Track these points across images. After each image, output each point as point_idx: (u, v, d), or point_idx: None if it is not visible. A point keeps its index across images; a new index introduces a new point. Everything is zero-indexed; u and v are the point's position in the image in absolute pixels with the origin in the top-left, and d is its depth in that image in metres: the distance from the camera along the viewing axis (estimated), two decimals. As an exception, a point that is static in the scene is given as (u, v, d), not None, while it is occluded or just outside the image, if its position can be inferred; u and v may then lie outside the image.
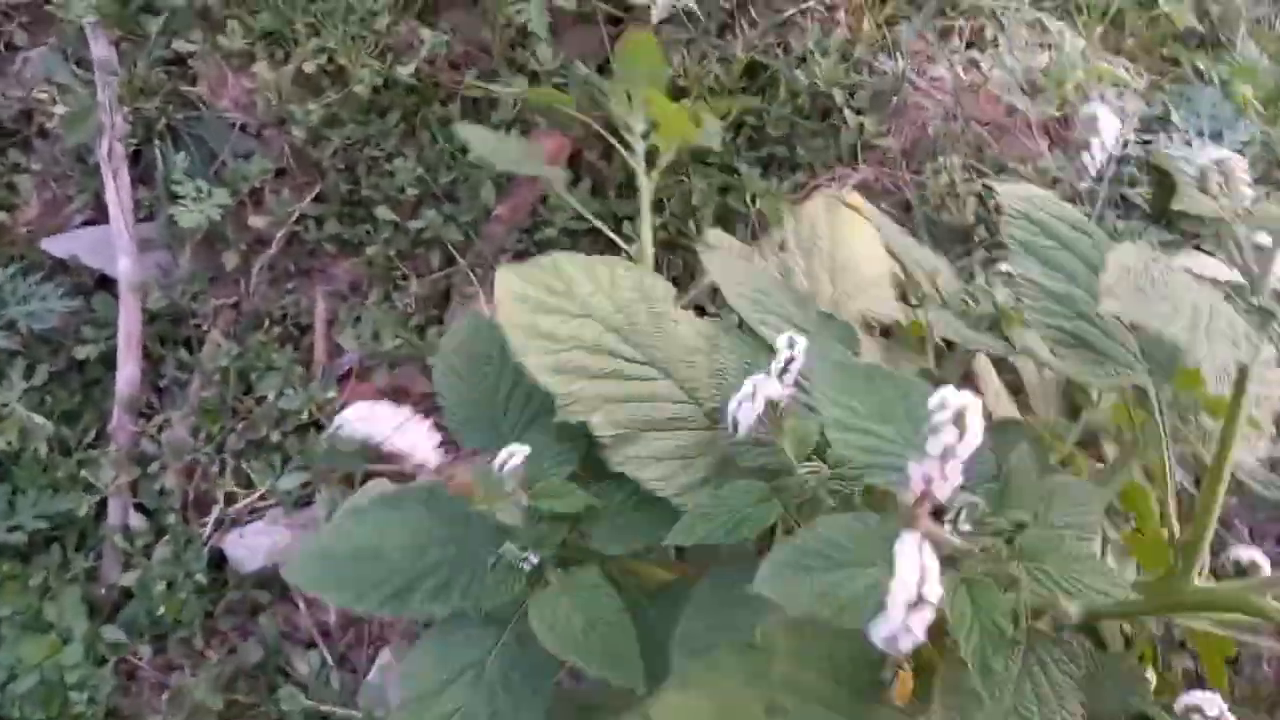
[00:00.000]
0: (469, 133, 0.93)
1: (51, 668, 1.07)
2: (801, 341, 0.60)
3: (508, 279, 0.66)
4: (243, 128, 1.26)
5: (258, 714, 1.08)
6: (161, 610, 1.08)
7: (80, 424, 1.18)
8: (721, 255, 0.80)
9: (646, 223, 0.85)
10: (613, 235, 1.09)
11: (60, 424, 1.16)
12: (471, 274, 1.22)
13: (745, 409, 0.59)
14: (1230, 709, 0.57)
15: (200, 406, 1.16)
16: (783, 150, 1.27)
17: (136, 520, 1.13)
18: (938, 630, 0.43)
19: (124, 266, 1.19)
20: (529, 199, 1.26)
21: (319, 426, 1.14)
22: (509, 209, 1.24)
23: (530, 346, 0.64)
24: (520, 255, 1.23)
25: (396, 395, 1.20)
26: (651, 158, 0.86)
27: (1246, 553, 0.68)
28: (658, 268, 1.12)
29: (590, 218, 0.95)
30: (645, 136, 0.86)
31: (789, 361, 0.60)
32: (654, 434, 0.64)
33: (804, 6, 1.28)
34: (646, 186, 0.83)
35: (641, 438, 0.64)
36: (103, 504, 1.14)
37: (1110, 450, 0.81)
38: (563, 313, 0.66)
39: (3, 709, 1.06)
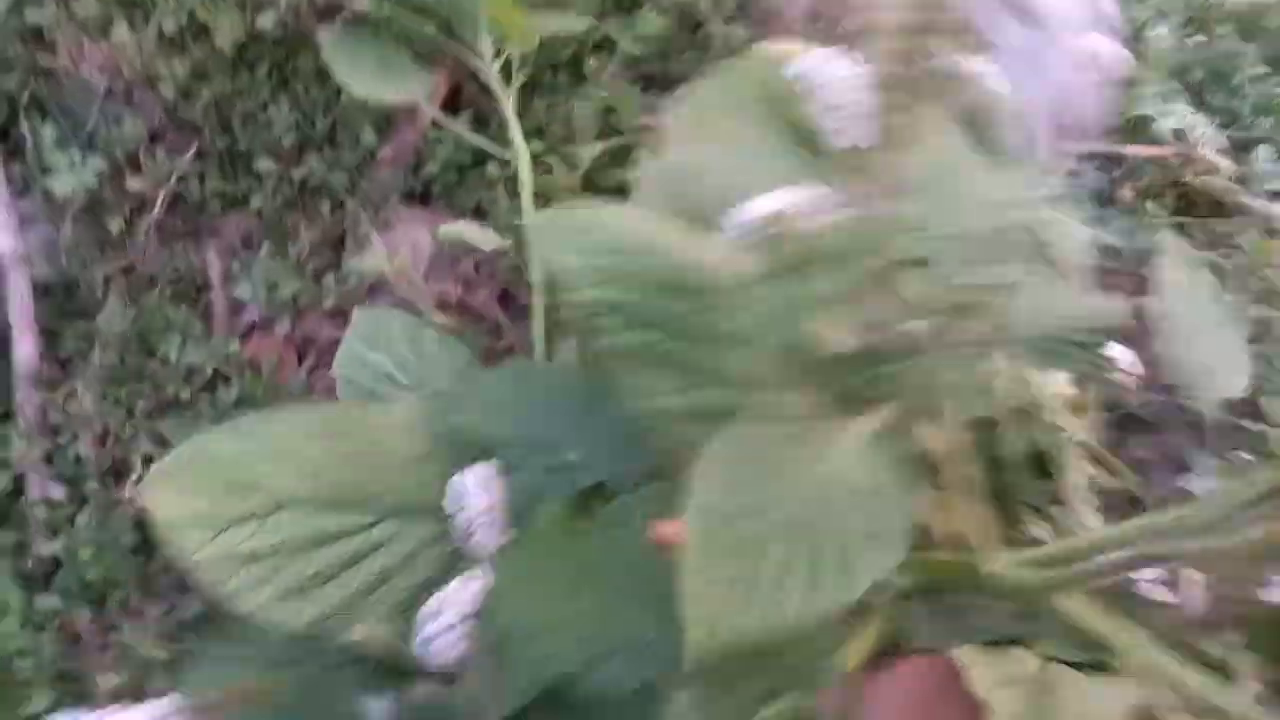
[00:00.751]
0: (338, 61, 0.94)
1: (-9, 642, 1.10)
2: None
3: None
4: (110, 93, 1.25)
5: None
6: (92, 575, 1.11)
7: (-17, 404, 1.18)
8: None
9: (518, 137, 0.88)
10: (495, 166, 1.12)
11: (-37, 407, 1.16)
12: (362, 215, 1.24)
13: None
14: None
15: (105, 373, 1.17)
16: (657, 67, 1.30)
17: (56, 490, 1.15)
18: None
19: (4, 243, 1.18)
20: (411, 139, 1.27)
21: (226, 380, 1.16)
22: (393, 150, 1.26)
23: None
24: (409, 196, 1.26)
25: (304, 345, 1.22)
26: (509, 72, 0.88)
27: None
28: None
29: (475, 140, 0.98)
30: (499, 54, 0.89)
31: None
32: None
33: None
34: (506, 98, 0.86)
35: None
36: (20, 479, 1.15)
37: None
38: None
39: (-54, 686, 1.09)
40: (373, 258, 1.21)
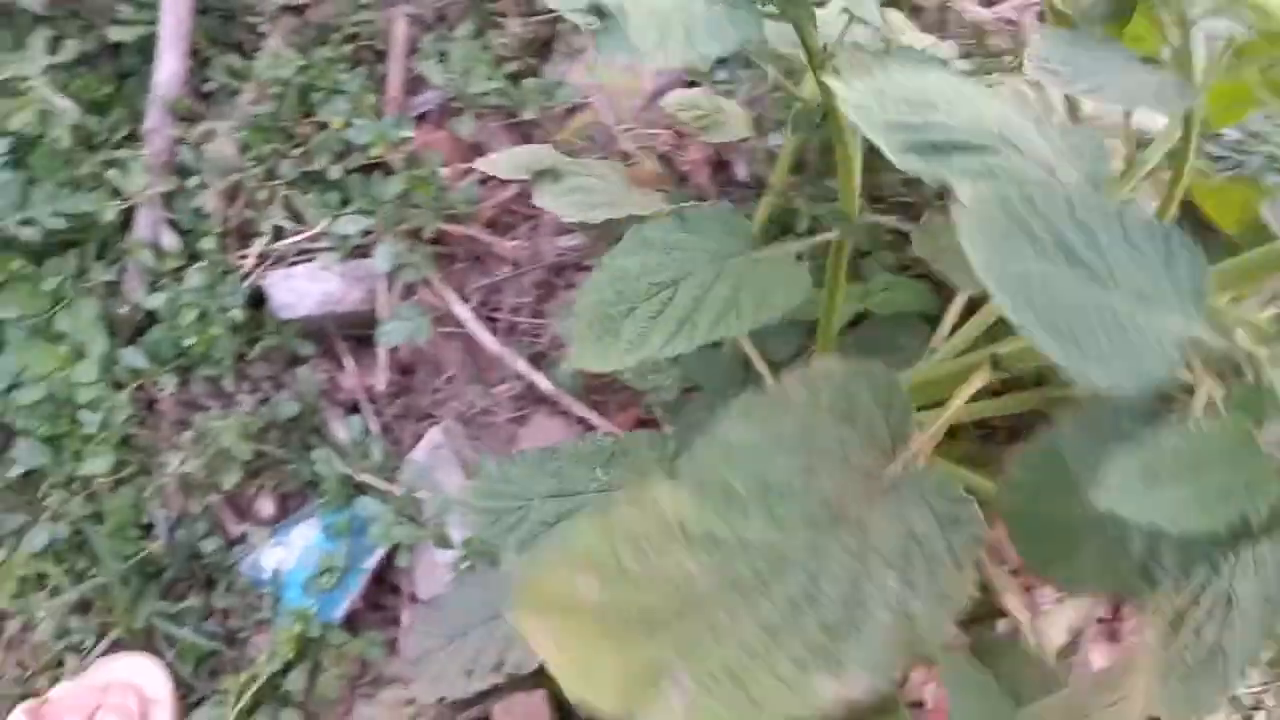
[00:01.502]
0: None
1: (61, 382, 0.96)
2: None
3: None
4: None
5: (286, 472, 0.99)
6: (190, 342, 0.96)
7: (110, 118, 1.02)
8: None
9: None
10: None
11: (86, 113, 1.00)
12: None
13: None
14: None
15: (251, 122, 1.00)
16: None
17: (168, 238, 1.00)
18: None
19: (174, -62, 0.99)
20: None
21: (388, 170, 0.99)
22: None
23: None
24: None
25: (476, 151, 1.05)
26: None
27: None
28: None
29: None
30: None
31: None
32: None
33: None
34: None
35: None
36: (130, 214, 1.00)
37: None
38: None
39: (4, 416, 0.96)
40: (582, 74, 1.03)
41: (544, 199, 0.76)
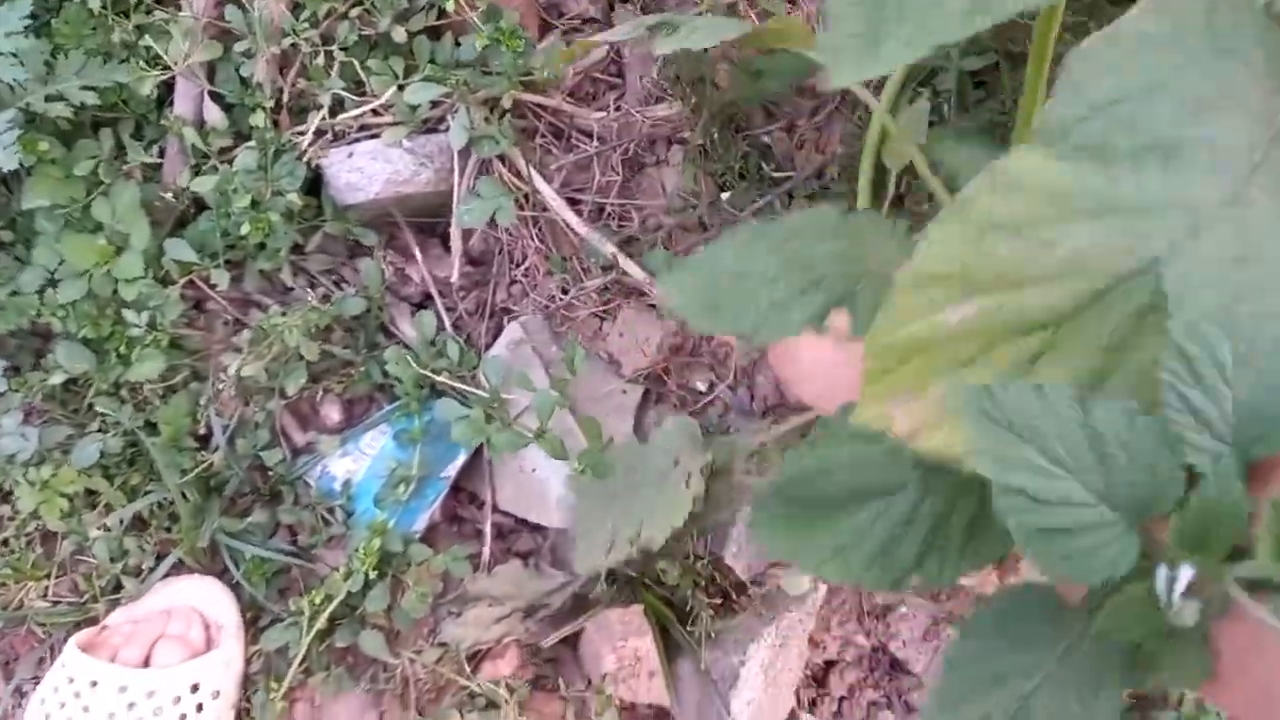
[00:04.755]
0: None
1: (102, 279, 0.86)
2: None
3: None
4: None
5: (356, 375, 0.89)
6: (244, 230, 0.85)
7: (141, -21, 0.90)
8: None
9: None
10: None
11: (115, -27, 0.89)
12: None
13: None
14: None
15: (302, -21, 0.88)
16: None
17: (213, 113, 0.89)
18: None
19: None
20: None
21: (459, 31, 0.88)
22: None
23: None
24: None
25: (555, 10, 0.93)
26: None
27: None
28: None
29: None
30: None
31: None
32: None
33: None
34: None
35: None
36: (169, 86, 0.89)
37: None
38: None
39: (40, 318, 0.86)
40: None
41: (664, 46, 0.64)
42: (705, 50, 0.88)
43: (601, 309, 0.91)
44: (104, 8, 0.87)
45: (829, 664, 0.95)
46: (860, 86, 0.75)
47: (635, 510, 0.75)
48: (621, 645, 0.83)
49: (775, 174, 0.88)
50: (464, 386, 0.86)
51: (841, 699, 0.94)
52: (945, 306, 0.33)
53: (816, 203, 0.86)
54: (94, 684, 0.77)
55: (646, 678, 0.83)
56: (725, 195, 0.89)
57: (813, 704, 0.94)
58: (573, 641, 0.87)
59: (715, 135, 0.87)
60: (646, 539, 0.74)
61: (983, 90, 0.84)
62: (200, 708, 0.78)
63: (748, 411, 0.91)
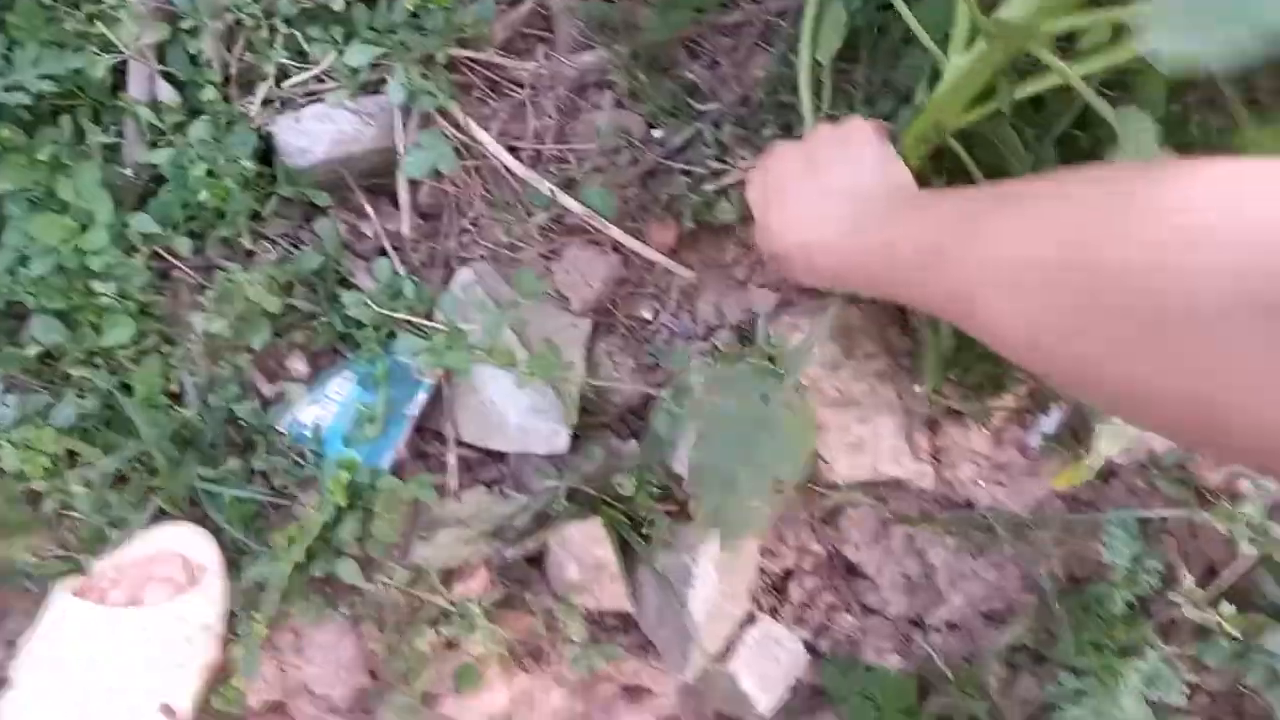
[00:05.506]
0: None
1: (70, 253, 0.91)
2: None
3: None
4: None
5: (319, 326, 0.94)
6: (202, 198, 0.91)
7: (90, -31, 0.95)
8: None
9: None
10: None
11: (65, -33, 0.94)
12: None
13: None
14: None
15: (241, -40, 0.93)
16: None
17: (166, 91, 0.94)
18: None
19: None
20: None
21: (391, -5, 0.93)
22: None
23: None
24: None
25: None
26: None
27: None
28: None
29: None
30: None
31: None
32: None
33: None
34: None
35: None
36: (122, 69, 0.94)
37: None
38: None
39: (15, 295, 0.91)
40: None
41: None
42: (625, -1, 0.94)
43: (547, 250, 0.96)
44: (54, 0, 0.93)
45: (788, 573, 0.99)
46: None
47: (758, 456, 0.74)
48: (583, 557, 0.87)
49: (701, 107, 0.94)
50: (423, 321, 0.91)
51: (802, 604, 0.99)
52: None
53: (745, 128, 0.92)
54: (84, 624, 0.81)
55: (609, 583, 0.87)
56: (656, 132, 0.94)
57: (774, 611, 0.98)
58: (538, 559, 0.91)
59: (641, 76, 0.93)
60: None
61: None
62: (189, 639, 0.83)
63: (690, 335, 0.96)
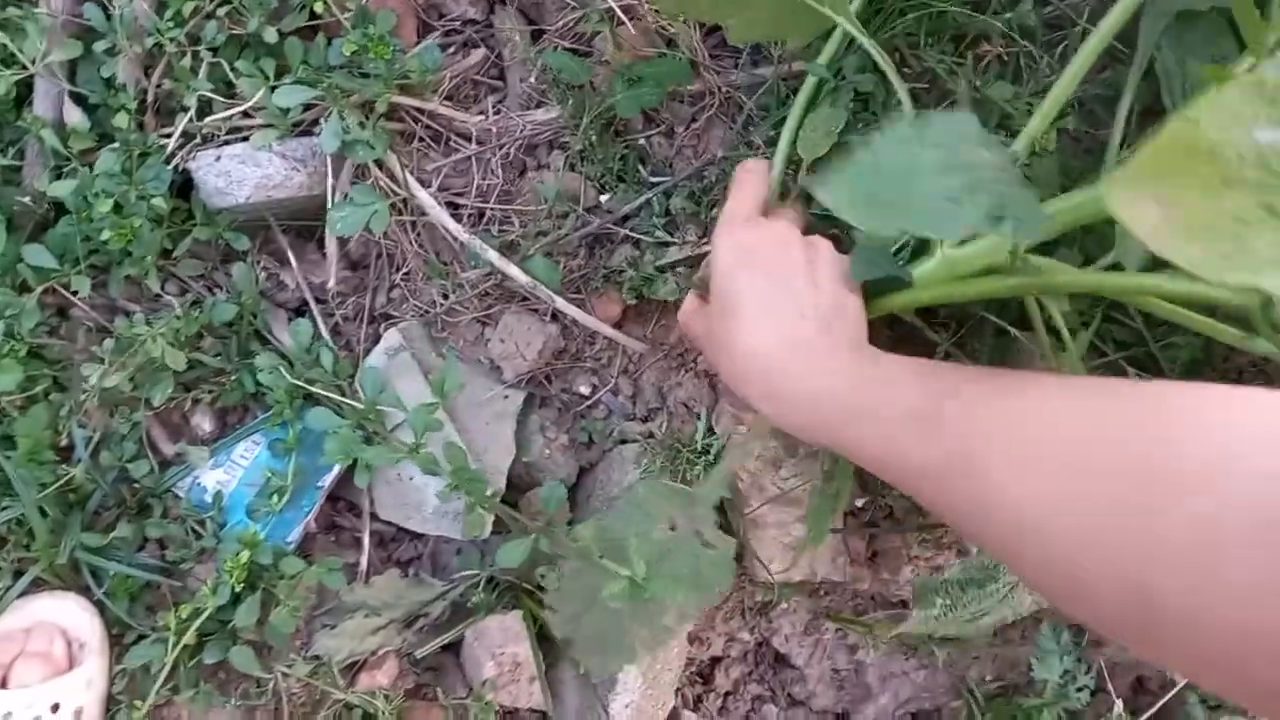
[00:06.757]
0: None
1: (-45, 287, 0.83)
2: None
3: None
4: None
5: (229, 383, 0.87)
6: (105, 236, 0.83)
7: (-4, -27, 0.87)
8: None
9: None
10: None
11: (-34, -32, 0.85)
12: None
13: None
14: None
15: (167, -23, 0.85)
16: None
17: (74, 115, 0.85)
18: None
19: None
20: None
21: (332, 33, 0.86)
22: None
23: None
24: None
25: (435, 11, 0.92)
26: None
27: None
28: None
29: None
30: None
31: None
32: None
33: None
34: None
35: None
36: (28, 86, 0.86)
37: None
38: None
39: (-112, 329, 0.82)
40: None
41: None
42: (586, 56, 0.89)
43: (483, 314, 0.91)
44: (-46, 3, 0.84)
45: (715, 660, 0.96)
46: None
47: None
48: (500, 652, 0.82)
49: (653, 177, 0.89)
50: (339, 397, 0.85)
51: (727, 694, 0.96)
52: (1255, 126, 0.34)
53: (697, 204, 0.87)
54: (-56, 709, 0.74)
55: (526, 683, 0.83)
56: (604, 198, 0.89)
57: (698, 700, 0.95)
58: (454, 650, 0.86)
59: (595, 139, 0.87)
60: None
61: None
62: (59, 730, 0.76)
63: (630, 415, 0.91)
